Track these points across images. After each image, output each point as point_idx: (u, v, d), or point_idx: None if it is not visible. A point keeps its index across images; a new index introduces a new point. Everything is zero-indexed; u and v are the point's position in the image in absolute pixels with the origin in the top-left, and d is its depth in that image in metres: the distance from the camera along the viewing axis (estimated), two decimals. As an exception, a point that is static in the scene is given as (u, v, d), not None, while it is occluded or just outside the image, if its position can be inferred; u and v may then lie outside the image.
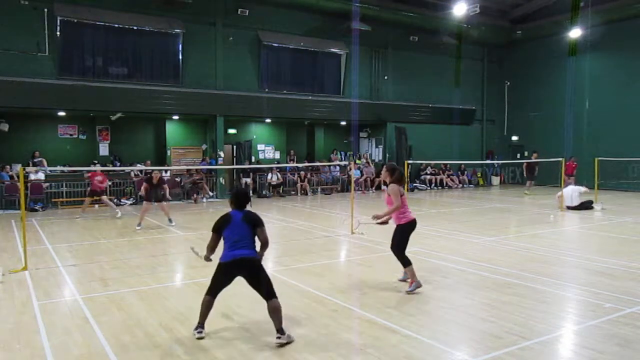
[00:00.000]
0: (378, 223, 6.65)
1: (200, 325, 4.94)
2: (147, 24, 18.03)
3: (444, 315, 5.58)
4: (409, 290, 6.33)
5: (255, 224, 4.99)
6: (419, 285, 6.37)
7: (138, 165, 18.21)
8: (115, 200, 16.84)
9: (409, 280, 6.50)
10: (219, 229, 5.02)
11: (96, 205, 16.60)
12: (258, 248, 5.04)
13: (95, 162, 18.23)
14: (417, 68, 24.37)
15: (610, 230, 11.48)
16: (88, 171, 15.43)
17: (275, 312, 4.77)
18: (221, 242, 5.03)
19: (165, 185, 12.51)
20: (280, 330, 4.72)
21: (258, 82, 20.32)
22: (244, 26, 19.78)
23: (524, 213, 14.78)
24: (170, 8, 18.07)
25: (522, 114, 26.41)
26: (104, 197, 14.51)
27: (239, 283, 6.95)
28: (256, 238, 5.01)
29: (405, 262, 6.42)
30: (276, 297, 4.84)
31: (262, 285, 4.91)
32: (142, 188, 12.15)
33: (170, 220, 12.34)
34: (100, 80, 17.06)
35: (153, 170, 12.59)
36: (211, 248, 5.14)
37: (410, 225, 6.48)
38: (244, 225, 4.95)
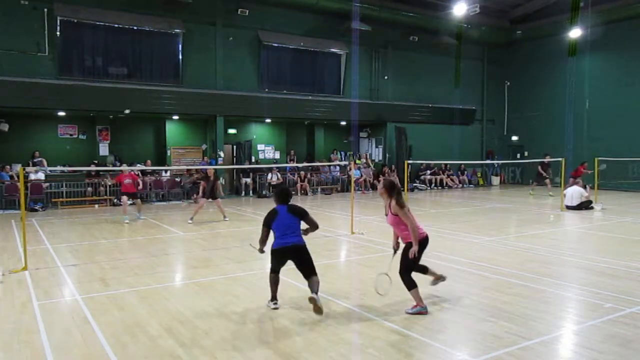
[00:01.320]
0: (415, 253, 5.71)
1: (274, 298, 5.76)
2: (147, 24, 18.04)
3: (444, 315, 5.58)
4: (408, 311, 5.57)
5: (301, 215, 5.87)
6: (422, 312, 5.54)
7: (138, 165, 18.21)
8: (115, 200, 16.86)
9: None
10: (268, 223, 5.77)
11: (96, 205, 16.61)
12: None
13: (95, 162, 18.23)
14: (417, 68, 24.38)
15: (610, 230, 11.48)
16: (116, 172, 15.36)
17: (316, 284, 5.62)
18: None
19: (219, 183, 13.35)
20: (316, 293, 5.51)
21: (258, 82, 20.32)
22: (244, 26, 19.79)
23: (524, 213, 14.78)
24: (170, 8, 18.09)
25: (522, 114, 26.42)
26: (137, 200, 13.47)
27: (239, 283, 6.97)
28: (302, 224, 5.86)
29: (411, 285, 5.61)
30: (316, 275, 5.71)
31: (308, 265, 5.74)
32: (201, 186, 13.09)
33: (224, 217, 13.00)
34: (100, 80, 17.07)
35: (207, 168, 13.55)
36: (263, 241, 5.88)
37: (422, 242, 5.78)
38: (289, 216, 5.78)
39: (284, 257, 5.75)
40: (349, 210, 11.22)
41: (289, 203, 5.90)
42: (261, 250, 5.95)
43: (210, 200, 13.05)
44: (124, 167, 13.82)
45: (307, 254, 5.74)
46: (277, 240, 5.71)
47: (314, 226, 5.91)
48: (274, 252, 5.73)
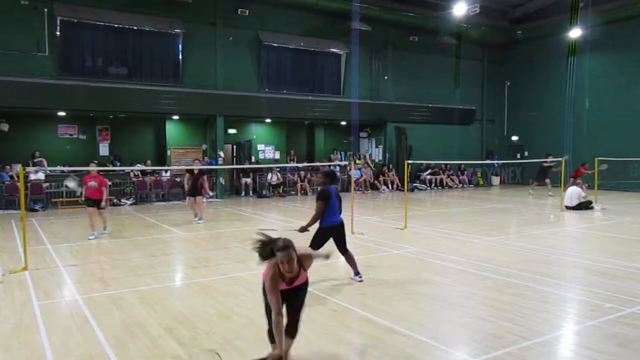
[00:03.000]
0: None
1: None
2: (147, 24, 18.03)
3: (444, 315, 5.58)
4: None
5: (340, 198, 6.78)
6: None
7: (138, 165, 18.21)
8: (115, 200, 16.86)
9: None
10: (327, 199, 6.54)
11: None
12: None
13: (95, 161, 18.19)
14: (417, 68, 24.38)
15: (610, 230, 11.48)
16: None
17: (351, 260, 6.78)
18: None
19: (204, 181, 12.79)
20: (357, 273, 6.83)
21: (258, 82, 20.32)
22: (244, 26, 19.78)
23: (524, 213, 14.78)
24: (170, 8, 18.10)
25: (522, 114, 26.42)
26: (103, 210, 11.00)
27: (239, 283, 6.96)
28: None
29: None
30: (348, 250, 6.79)
31: (344, 241, 6.73)
32: (185, 182, 12.80)
33: (196, 216, 12.63)
34: (100, 80, 17.06)
35: (193, 168, 13.14)
36: (318, 216, 6.57)
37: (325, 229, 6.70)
38: (337, 197, 6.70)
39: (329, 234, 6.60)
40: (349, 210, 11.22)
41: (334, 185, 6.82)
42: (304, 229, 6.50)
43: (191, 197, 12.58)
44: (91, 167, 11.13)
45: (344, 231, 6.75)
46: (327, 219, 6.57)
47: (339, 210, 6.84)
48: (323, 230, 6.58)
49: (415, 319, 5.41)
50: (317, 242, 6.53)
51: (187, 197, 12.91)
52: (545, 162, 19.01)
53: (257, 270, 7.61)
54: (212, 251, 9.27)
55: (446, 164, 24.12)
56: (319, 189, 6.99)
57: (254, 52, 20.25)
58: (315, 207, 6.67)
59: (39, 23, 16.26)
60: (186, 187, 12.88)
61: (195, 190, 12.50)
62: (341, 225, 6.70)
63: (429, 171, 23.84)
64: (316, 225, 6.71)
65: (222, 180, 19.32)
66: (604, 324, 5.22)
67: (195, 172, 12.51)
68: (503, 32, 25.69)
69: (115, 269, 7.78)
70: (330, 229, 6.61)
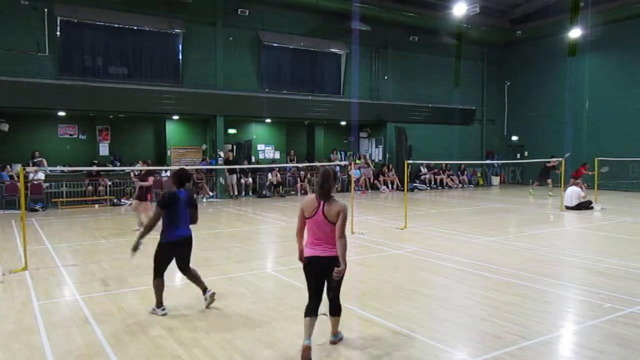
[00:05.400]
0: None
1: None
2: (147, 24, 18.03)
3: (444, 315, 5.58)
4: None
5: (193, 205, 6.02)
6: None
7: (138, 165, 18.19)
8: (115, 200, 16.87)
9: None
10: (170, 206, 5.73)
11: (96, 205, 16.61)
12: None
13: (96, 162, 18.23)
14: (417, 68, 24.37)
15: (610, 230, 11.48)
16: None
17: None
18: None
19: (149, 182, 11.31)
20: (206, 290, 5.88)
21: (258, 82, 20.32)
22: (244, 26, 19.78)
23: (524, 213, 14.78)
24: (170, 8, 18.08)
25: (522, 114, 26.41)
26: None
27: (239, 283, 6.96)
28: None
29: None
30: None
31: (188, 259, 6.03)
32: (137, 186, 11.57)
33: (138, 226, 11.04)
34: (100, 80, 17.06)
35: (171, 170, 11.79)
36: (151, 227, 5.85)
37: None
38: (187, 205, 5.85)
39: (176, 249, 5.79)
40: (350, 210, 11.21)
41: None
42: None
43: (136, 201, 11.36)
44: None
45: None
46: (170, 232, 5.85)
47: None
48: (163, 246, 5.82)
49: (415, 319, 5.41)
50: (158, 261, 5.65)
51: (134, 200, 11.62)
52: (549, 162, 19.01)
53: (257, 270, 7.62)
54: (212, 251, 9.27)
55: (446, 164, 24.12)
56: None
57: (254, 52, 20.25)
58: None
59: (39, 23, 16.26)
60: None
61: (142, 195, 11.16)
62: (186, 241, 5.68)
63: (425, 171, 23.85)
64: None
65: (222, 180, 19.30)
66: (604, 324, 5.22)
67: (143, 173, 11.43)
68: (503, 32, 25.68)
69: (115, 269, 7.78)
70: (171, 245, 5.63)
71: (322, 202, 4.47)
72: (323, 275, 4.42)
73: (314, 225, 4.45)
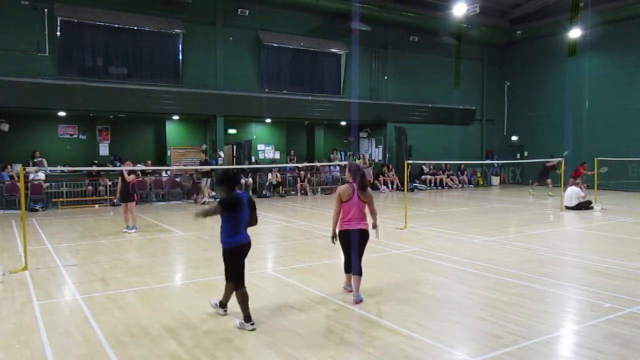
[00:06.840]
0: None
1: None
2: (147, 24, 18.04)
3: (444, 315, 5.58)
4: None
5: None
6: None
7: (138, 165, 18.18)
8: (115, 201, 16.85)
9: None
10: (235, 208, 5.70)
11: (96, 205, 16.62)
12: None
13: (96, 162, 18.23)
14: (417, 68, 24.38)
15: (610, 230, 11.48)
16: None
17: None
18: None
19: (131, 180, 11.20)
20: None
21: (258, 82, 20.33)
22: (244, 26, 19.79)
23: (523, 213, 14.78)
24: (170, 8, 18.09)
25: (522, 114, 26.42)
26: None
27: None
28: None
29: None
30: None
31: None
32: (118, 187, 11.57)
33: (127, 226, 11.24)
34: (100, 80, 17.07)
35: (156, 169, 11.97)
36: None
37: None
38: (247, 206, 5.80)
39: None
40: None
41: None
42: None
43: (122, 203, 11.42)
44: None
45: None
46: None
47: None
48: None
49: (415, 318, 5.41)
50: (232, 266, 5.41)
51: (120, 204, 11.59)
52: (548, 162, 19.00)
53: (257, 270, 7.62)
54: (212, 251, 9.26)
55: (446, 164, 24.13)
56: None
57: (254, 52, 20.25)
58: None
59: (39, 23, 16.26)
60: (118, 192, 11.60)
61: (127, 196, 11.16)
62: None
63: (427, 170, 23.87)
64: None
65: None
66: (604, 324, 5.22)
67: (126, 174, 11.15)
68: (503, 32, 25.69)
69: (115, 269, 7.78)
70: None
71: (356, 190, 5.94)
72: (352, 242, 5.95)
73: (351, 206, 5.91)
